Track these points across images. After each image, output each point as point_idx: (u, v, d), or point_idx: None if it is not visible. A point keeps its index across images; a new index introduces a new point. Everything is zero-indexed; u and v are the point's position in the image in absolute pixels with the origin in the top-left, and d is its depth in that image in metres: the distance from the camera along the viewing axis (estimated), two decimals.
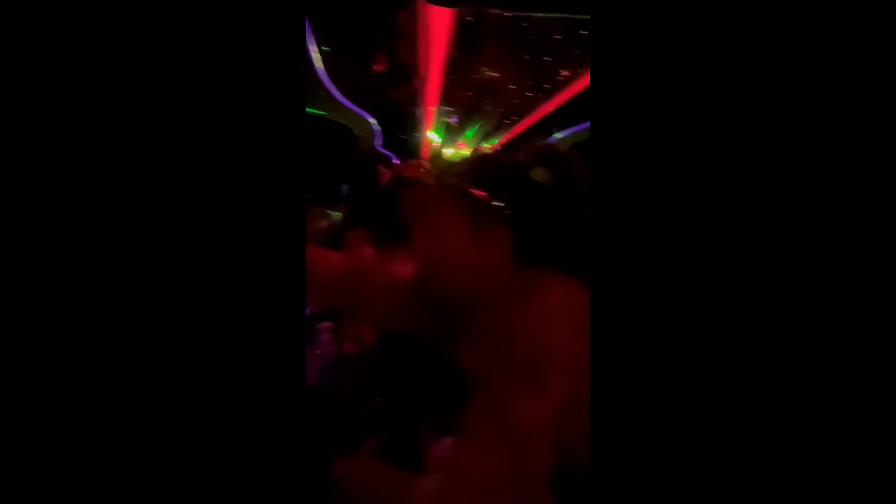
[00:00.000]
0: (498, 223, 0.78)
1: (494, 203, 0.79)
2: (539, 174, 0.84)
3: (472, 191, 0.79)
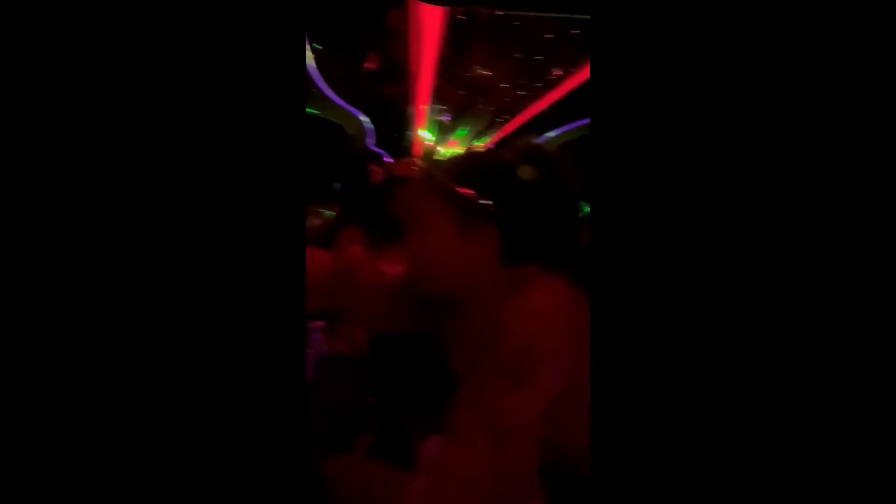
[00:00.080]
0: (485, 222, 0.79)
1: (482, 201, 0.80)
2: (526, 173, 0.84)
3: (459, 189, 0.80)
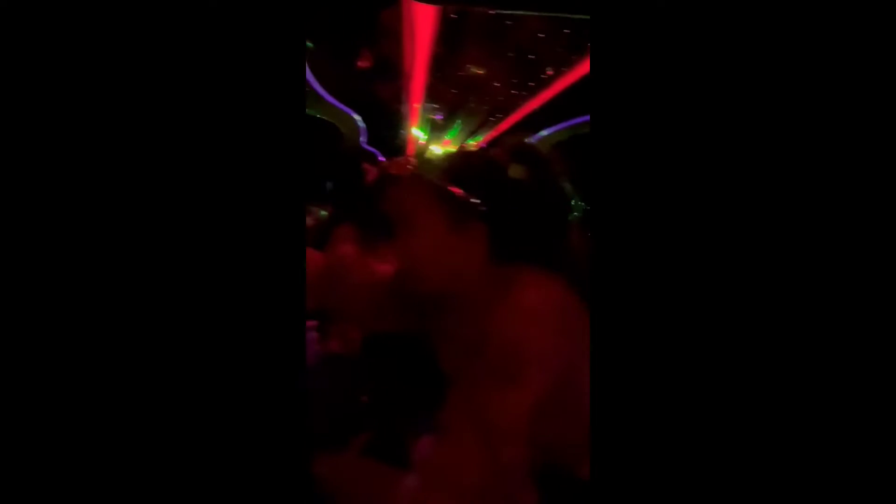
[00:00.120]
0: (475, 220, 0.79)
1: (472, 200, 0.80)
2: (516, 171, 0.84)
3: (449, 188, 0.80)
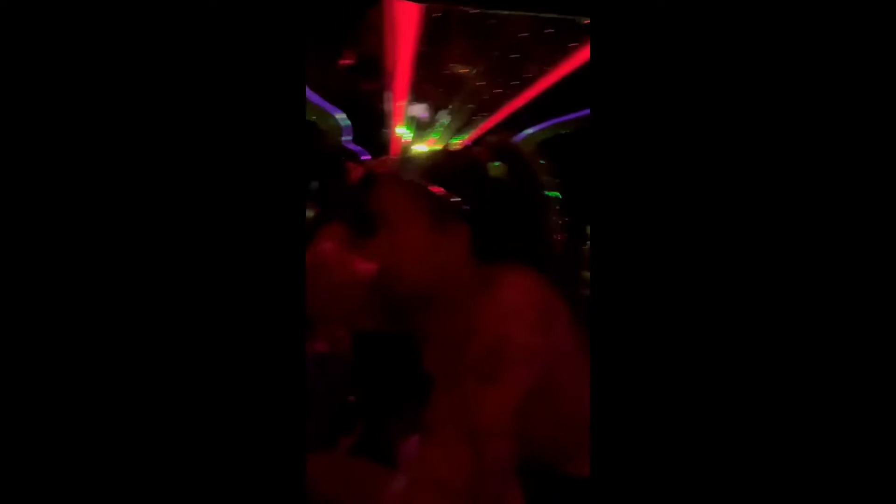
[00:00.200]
0: (457, 219, 0.79)
1: (453, 199, 0.80)
2: (497, 170, 0.85)
3: (430, 187, 0.80)
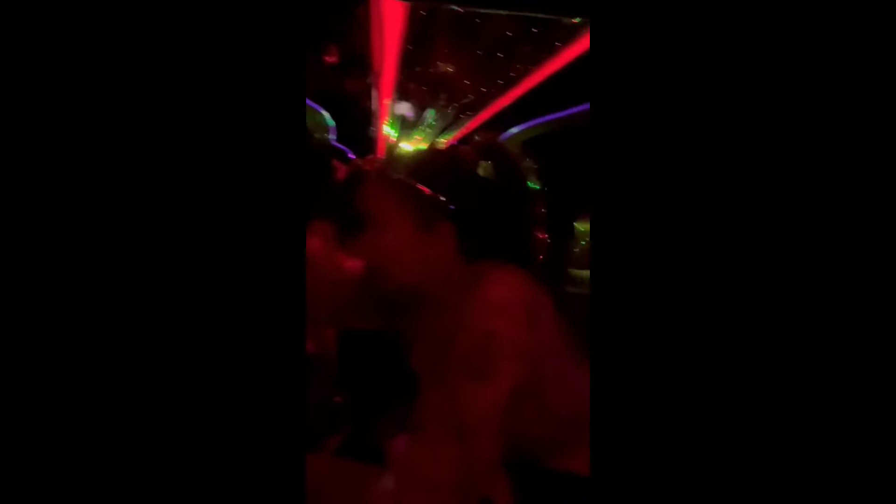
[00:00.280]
0: (443, 218, 0.80)
1: (440, 198, 0.81)
2: (483, 169, 0.86)
3: (418, 186, 0.81)
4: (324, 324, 1.18)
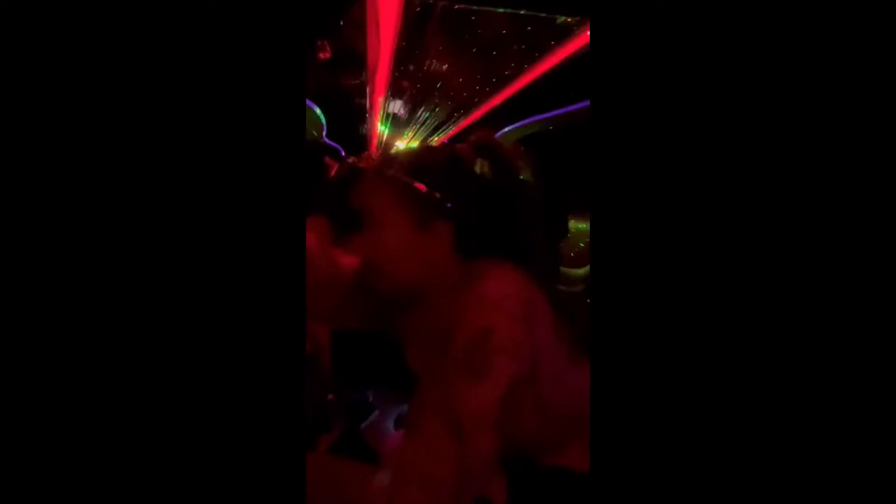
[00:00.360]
0: (440, 216, 0.79)
1: (436, 196, 0.81)
2: (480, 167, 0.86)
3: (414, 184, 0.81)
4: (318, 322, 1.18)
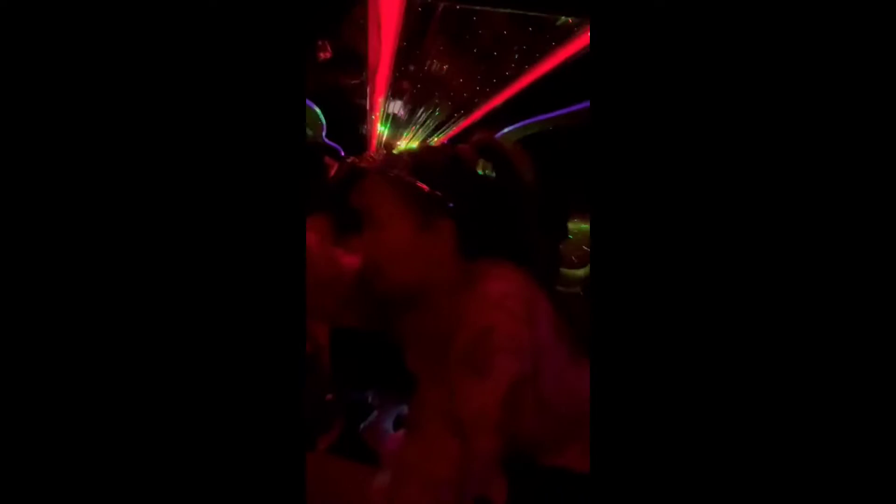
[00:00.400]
0: (442, 216, 0.79)
1: (438, 195, 0.81)
2: (482, 167, 0.86)
3: (417, 183, 0.81)
4: (319, 321, 1.18)
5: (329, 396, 1.21)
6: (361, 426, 1.10)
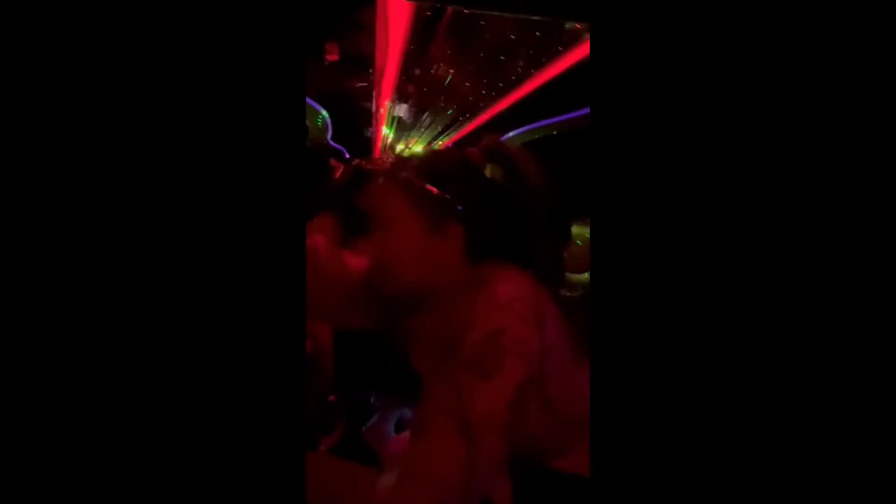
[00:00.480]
0: (451, 219, 0.80)
1: (447, 198, 0.81)
2: (490, 170, 0.86)
3: (426, 186, 0.81)
4: (323, 323, 1.18)
5: (331, 398, 1.22)
6: (363, 428, 1.10)
